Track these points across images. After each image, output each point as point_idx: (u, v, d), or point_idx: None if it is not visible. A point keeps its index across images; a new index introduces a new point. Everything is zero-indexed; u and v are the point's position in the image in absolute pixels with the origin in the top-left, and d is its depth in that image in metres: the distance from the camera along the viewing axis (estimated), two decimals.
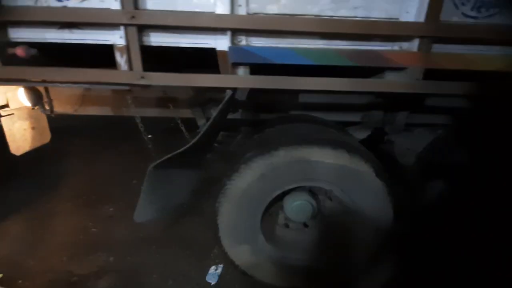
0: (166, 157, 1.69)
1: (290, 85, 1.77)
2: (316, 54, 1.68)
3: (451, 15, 1.63)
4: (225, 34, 1.65)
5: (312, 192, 2.09)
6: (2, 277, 2.14)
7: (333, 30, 1.63)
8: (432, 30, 1.63)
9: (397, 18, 1.65)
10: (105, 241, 2.58)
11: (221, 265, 2.33)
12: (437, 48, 1.71)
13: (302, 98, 2.48)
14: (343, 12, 1.63)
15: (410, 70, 1.73)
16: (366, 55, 1.70)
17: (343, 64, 1.70)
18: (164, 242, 2.56)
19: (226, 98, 1.81)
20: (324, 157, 1.79)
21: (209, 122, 1.81)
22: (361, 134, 2.47)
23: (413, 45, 1.69)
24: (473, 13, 1.62)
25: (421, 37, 1.66)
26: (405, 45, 1.73)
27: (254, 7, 1.62)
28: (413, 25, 1.63)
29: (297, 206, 1.99)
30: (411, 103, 2.29)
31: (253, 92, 2.29)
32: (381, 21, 1.64)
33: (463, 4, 1.61)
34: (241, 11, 1.61)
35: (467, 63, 1.69)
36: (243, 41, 1.70)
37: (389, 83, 1.82)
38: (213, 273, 2.27)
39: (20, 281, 2.14)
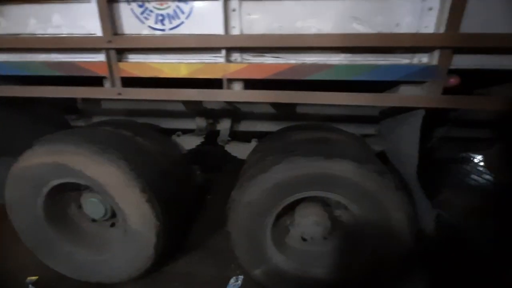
0: None
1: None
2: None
3: (140, 29, 1.72)
4: None
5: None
6: (37, 279, 2.27)
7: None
8: (119, 42, 1.71)
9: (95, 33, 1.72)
10: None
11: (241, 277, 2.32)
12: (132, 58, 1.80)
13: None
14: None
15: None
16: (65, 65, 1.82)
17: (48, 74, 1.83)
18: (186, 252, 2.59)
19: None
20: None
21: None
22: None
23: (102, 56, 1.77)
24: (158, 26, 1.70)
25: (106, 49, 1.74)
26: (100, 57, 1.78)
27: None
28: (97, 40, 1.72)
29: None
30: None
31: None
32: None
33: (146, 18, 1.70)
34: None
35: (155, 71, 1.75)
36: None
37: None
38: (234, 284, 2.27)
39: (53, 284, 2.26)
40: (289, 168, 1.82)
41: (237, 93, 1.74)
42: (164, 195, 2.07)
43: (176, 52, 1.75)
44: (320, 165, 1.79)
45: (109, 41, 1.70)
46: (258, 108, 2.61)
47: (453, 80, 1.58)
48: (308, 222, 2.12)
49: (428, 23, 1.53)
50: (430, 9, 1.51)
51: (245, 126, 2.76)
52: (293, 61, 1.69)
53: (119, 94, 1.82)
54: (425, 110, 1.71)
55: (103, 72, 1.79)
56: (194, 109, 2.55)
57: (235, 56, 1.73)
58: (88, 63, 1.82)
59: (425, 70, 1.58)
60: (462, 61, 1.59)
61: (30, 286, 2.22)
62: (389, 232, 1.85)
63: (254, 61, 1.72)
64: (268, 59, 1.72)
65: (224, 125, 2.65)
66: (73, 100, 2.68)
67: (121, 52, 1.80)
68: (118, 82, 1.80)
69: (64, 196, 2.20)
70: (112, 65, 1.76)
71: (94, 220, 2.30)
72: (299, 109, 2.57)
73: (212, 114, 2.60)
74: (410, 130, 1.83)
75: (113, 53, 1.75)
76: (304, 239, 2.20)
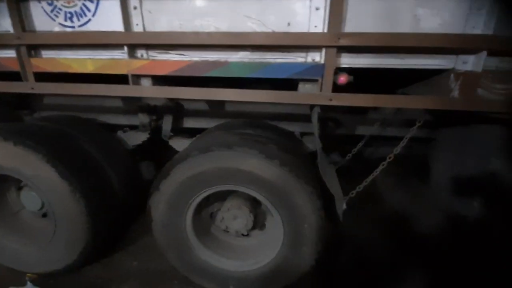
0: None
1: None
2: None
3: (52, 26, 1.79)
4: None
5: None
6: (35, 277, 2.27)
7: None
8: (28, 39, 1.78)
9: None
10: (130, 246, 2.67)
11: None
12: (45, 54, 1.87)
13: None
14: None
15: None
16: None
17: None
18: None
19: None
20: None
21: None
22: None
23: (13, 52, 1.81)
24: (68, 23, 1.76)
25: (16, 45, 1.80)
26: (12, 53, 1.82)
27: None
28: (7, 36, 1.78)
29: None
30: None
31: None
32: None
33: (56, 16, 1.76)
34: None
35: (65, 67, 1.81)
36: None
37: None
38: None
39: (51, 281, 2.27)
40: (198, 162, 1.88)
41: (139, 89, 1.80)
42: (95, 188, 2.13)
43: (84, 48, 1.81)
44: (226, 159, 1.85)
45: (18, 38, 1.77)
46: (201, 106, 2.66)
47: (343, 79, 1.63)
48: (229, 216, 2.18)
49: (317, 22, 1.59)
50: (317, 8, 1.56)
51: (189, 123, 2.81)
52: (196, 58, 1.75)
53: (32, 88, 1.88)
54: (320, 107, 1.76)
55: (16, 67, 1.85)
56: (139, 105, 2.61)
57: (141, 52, 1.79)
58: (4, 59, 1.89)
59: (314, 68, 1.63)
60: (353, 60, 1.64)
61: (28, 283, 2.22)
62: (299, 223, 1.91)
63: (159, 58, 1.78)
64: (173, 56, 1.78)
65: (167, 121, 2.71)
66: (24, 96, 2.74)
67: (35, 48, 1.87)
68: (31, 77, 1.87)
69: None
70: (24, 61, 1.83)
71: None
72: (240, 107, 2.62)
73: (156, 110, 2.66)
74: (313, 127, 1.88)
75: (23, 49, 1.81)
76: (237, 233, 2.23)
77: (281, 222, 1.98)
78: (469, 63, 1.56)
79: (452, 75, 1.60)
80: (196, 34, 1.63)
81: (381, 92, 1.68)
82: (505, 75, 1.55)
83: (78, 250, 2.14)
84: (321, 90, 1.66)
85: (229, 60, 1.72)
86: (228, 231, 2.25)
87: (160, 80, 1.86)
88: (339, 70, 1.66)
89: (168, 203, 2.03)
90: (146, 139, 2.61)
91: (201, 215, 2.25)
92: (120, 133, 2.65)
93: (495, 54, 1.54)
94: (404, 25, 1.53)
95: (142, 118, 2.64)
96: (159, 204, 2.04)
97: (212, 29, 1.67)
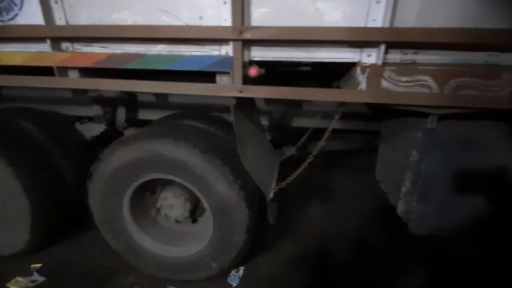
0: None
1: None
2: None
3: None
4: None
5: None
6: (41, 266, 2.41)
7: None
8: None
9: None
10: None
11: (242, 267, 2.42)
12: None
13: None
14: None
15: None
16: None
17: None
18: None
19: None
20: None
21: None
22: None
23: None
24: None
25: None
26: None
27: None
28: None
29: None
30: None
31: None
32: None
33: None
34: None
35: None
36: None
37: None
38: (234, 275, 2.37)
39: (56, 272, 2.38)
40: (129, 150, 1.97)
41: (63, 81, 1.87)
42: (45, 182, 2.25)
43: (14, 41, 1.88)
44: (152, 148, 1.93)
45: None
46: (153, 98, 2.72)
47: (253, 71, 1.67)
48: (167, 205, 2.27)
49: (226, 16, 1.62)
50: (225, 2, 1.60)
51: (144, 114, 2.88)
52: (118, 51, 1.81)
53: None
54: (235, 100, 1.81)
55: None
56: (93, 97, 2.68)
57: (66, 45, 1.86)
58: None
59: (224, 61, 1.68)
60: (263, 54, 1.69)
61: (34, 273, 2.32)
62: (226, 213, 1.99)
63: (83, 51, 1.85)
64: (97, 49, 1.84)
65: (120, 113, 2.79)
66: None
67: None
68: None
69: None
70: None
71: None
72: (190, 100, 2.67)
73: (110, 102, 2.73)
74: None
75: None
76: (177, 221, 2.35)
77: (210, 211, 2.05)
78: (373, 56, 1.58)
79: (358, 68, 1.62)
80: (110, 27, 1.69)
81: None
82: (408, 67, 1.57)
83: (22, 245, 2.26)
84: (233, 82, 1.71)
85: (149, 52, 1.78)
86: (170, 219, 2.34)
87: (89, 72, 1.93)
88: (253, 63, 1.71)
89: (103, 191, 2.12)
90: (103, 130, 2.69)
91: (145, 204, 2.32)
92: (77, 125, 2.74)
93: (396, 47, 1.56)
94: (308, 19, 1.56)
95: (97, 110, 2.72)
96: (95, 190, 2.13)
97: (129, 22, 1.73)
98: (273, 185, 2.10)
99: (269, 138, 2.69)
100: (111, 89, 1.95)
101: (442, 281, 2.32)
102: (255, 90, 1.70)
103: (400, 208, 1.98)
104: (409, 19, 1.48)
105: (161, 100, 2.62)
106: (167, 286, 2.28)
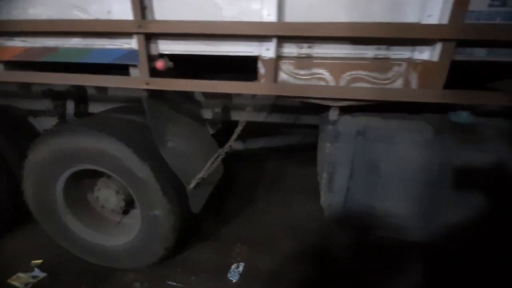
0: None
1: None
2: None
3: None
4: None
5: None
6: (42, 262, 2.41)
7: None
8: None
9: None
10: None
11: (242, 263, 2.41)
12: None
13: None
14: None
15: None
16: None
17: None
18: (187, 239, 2.62)
19: None
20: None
21: None
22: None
23: None
24: None
25: None
26: None
27: None
28: None
29: None
30: None
31: None
32: None
33: None
34: None
35: None
36: None
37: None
38: (234, 270, 2.35)
39: (56, 268, 2.37)
40: (58, 140, 2.04)
41: None
42: None
43: None
44: (77, 140, 2.00)
45: None
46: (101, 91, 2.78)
47: (160, 64, 1.73)
48: (101, 195, 2.34)
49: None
50: None
51: (94, 107, 2.95)
52: (37, 45, 1.88)
53: None
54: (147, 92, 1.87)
55: None
56: (42, 91, 2.75)
57: None
58: None
59: (131, 54, 1.73)
60: (170, 47, 1.75)
61: (35, 269, 2.31)
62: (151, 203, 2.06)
63: (6, 45, 1.91)
64: (18, 43, 1.91)
65: (70, 106, 2.86)
66: None
67: None
68: None
69: None
70: None
71: None
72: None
73: (60, 96, 2.79)
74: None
75: None
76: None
77: (138, 202, 2.12)
78: (271, 50, 1.63)
79: (260, 61, 1.67)
80: (21, 22, 1.75)
81: None
82: (304, 61, 1.62)
83: None
84: (140, 75, 1.77)
85: (65, 45, 1.84)
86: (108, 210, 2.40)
87: (15, 65, 2.00)
88: (164, 56, 1.77)
89: (35, 179, 2.18)
90: (55, 123, 2.76)
91: (81, 193, 2.39)
92: (30, 119, 2.81)
93: (288, 41, 1.60)
94: (208, 13, 1.61)
95: (47, 103, 2.79)
96: (28, 178, 2.19)
97: (44, 17, 1.79)
98: (199, 176, 2.16)
99: (213, 131, 2.74)
100: (36, 81, 2.04)
101: (441, 278, 2.25)
102: (161, 82, 1.76)
103: (321, 198, 2.03)
104: (299, 13, 1.52)
105: (102, 94, 2.68)
106: (167, 282, 2.27)
